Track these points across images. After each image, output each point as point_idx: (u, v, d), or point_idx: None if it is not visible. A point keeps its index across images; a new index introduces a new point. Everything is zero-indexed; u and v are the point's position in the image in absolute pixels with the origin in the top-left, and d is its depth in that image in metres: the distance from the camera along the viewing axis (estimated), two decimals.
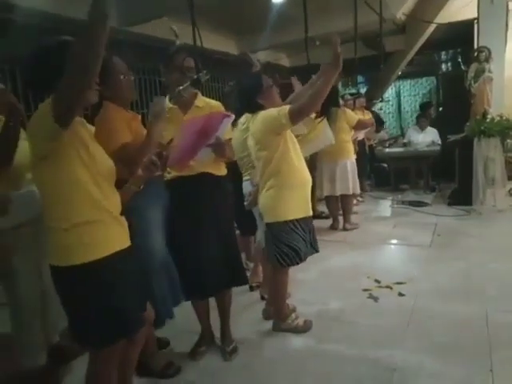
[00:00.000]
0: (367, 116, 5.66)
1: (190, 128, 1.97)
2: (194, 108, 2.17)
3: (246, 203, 2.72)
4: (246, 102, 2.42)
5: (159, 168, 1.68)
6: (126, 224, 1.61)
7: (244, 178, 2.95)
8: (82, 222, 1.44)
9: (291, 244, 2.39)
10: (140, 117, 2.04)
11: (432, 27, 7.03)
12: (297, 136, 2.55)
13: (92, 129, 1.59)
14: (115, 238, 1.54)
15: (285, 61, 8.37)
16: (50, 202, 1.47)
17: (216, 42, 5.69)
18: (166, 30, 3.98)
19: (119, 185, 1.64)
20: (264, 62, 7.01)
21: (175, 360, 2.30)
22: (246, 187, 2.92)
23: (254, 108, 2.38)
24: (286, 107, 2.24)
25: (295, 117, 2.22)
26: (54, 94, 1.35)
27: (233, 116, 2.04)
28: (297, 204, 2.41)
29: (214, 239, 2.19)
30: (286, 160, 2.36)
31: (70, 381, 2.23)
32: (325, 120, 3.27)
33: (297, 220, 2.40)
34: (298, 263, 2.45)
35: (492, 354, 2.16)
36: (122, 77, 1.89)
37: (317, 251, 2.56)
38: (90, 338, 1.53)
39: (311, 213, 2.51)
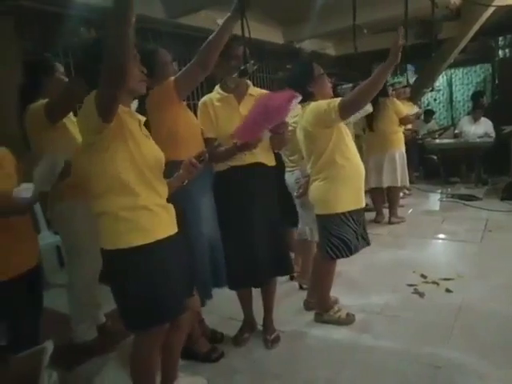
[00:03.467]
0: (410, 107, 5.44)
1: (259, 104, 1.92)
2: (248, 96, 2.19)
3: (295, 194, 2.73)
4: (296, 90, 2.39)
5: (199, 169, 1.66)
6: (173, 211, 1.65)
7: (287, 169, 2.96)
8: (128, 208, 1.50)
9: (342, 236, 2.37)
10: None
11: (490, 11, 6.60)
12: None
13: (142, 118, 1.63)
14: (161, 225, 1.58)
15: (330, 50, 8.21)
16: (98, 189, 1.52)
17: (262, 32, 5.66)
18: (211, 20, 4.02)
19: (165, 175, 1.68)
20: (309, 51, 6.93)
21: (218, 345, 2.37)
22: (289, 178, 2.93)
23: (305, 96, 2.32)
24: (336, 100, 2.19)
25: (345, 111, 2.17)
26: (98, 88, 1.39)
27: (300, 96, 1.96)
28: (349, 196, 2.37)
29: (263, 229, 2.21)
30: (340, 151, 2.32)
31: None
32: None
33: (349, 212, 2.37)
34: (348, 255, 2.43)
35: None
36: (168, 68, 1.93)
37: (368, 244, 2.53)
38: (132, 320, 1.60)
39: (363, 204, 2.48)
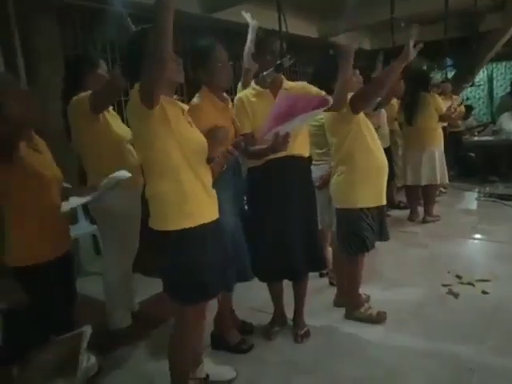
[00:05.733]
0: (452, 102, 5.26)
1: (284, 99, 1.86)
2: (284, 91, 2.18)
3: (316, 185, 2.72)
4: (320, 85, 2.38)
5: (235, 156, 1.76)
6: (215, 197, 1.73)
7: (314, 162, 2.94)
8: (175, 192, 1.59)
9: (358, 232, 2.36)
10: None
11: None
12: None
13: (185, 107, 1.71)
14: (206, 209, 1.68)
15: (366, 44, 8.06)
16: (150, 174, 1.64)
17: (297, 27, 5.62)
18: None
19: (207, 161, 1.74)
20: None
21: (248, 337, 2.40)
22: (315, 171, 2.91)
23: (329, 92, 2.31)
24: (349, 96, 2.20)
25: (356, 105, 2.18)
26: (141, 78, 1.48)
27: (329, 101, 1.90)
28: (369, 192, 2.36)
29: (297, 223, 2.21)
30: (360, 145, 2.31)
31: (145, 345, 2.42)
32: None
33: (368, 208, 2.36)
34: (362, 252, 2.43)
35: None
36: (219, 64, 1.97)
37: (386, 239, 2.53)
38: (181, 294, 1.69)
39: (384, 202, 2.45)
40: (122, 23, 2.08)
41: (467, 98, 8.63)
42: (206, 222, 1.65)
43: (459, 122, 5.76)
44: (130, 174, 1.92)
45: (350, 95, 2.24)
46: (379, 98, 2.49)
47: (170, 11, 1.35)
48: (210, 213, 1.70)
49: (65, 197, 1.93)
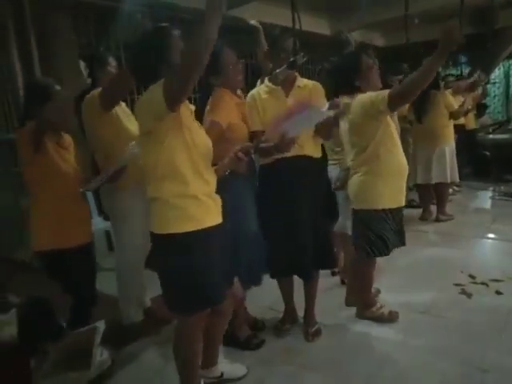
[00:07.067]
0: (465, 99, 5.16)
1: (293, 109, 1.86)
2: (296, 88, 2.18)
3: (333, 186, 2.70)
4: (342, 83, 2.35)
5: (244, 163, 1.71)
6: (219, 201, 1.70)
7: (330, 162, 2.92)
8: (179, 196, 1.56)
9: (380, 233, 2.32)
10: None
11: None
12: None
13: (193, 108, 1.69)
14: (209, 214, 1.63)
15: (378, 41, 7.98)
16: (153, 175, 1.60)
17: (309, 24, 5.60)
18: (262, 12, 4.02)
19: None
20: (357, 42, 6.77)
21: (259, 334, 2.41)
22: (333, 171, 2.90)
23: (351, 90, 2.30)
24: (385, 92, 2.13)
25: (394, 102, 2.11)
26: (167, 77, 1.46)
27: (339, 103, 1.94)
28: (392, 193, 2.32)
29: (309, 221, 2.21)
30: (385, 146, 2.27)
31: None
32: None
33: (390, 210, 2.32)
34: (385, 254, 2.38)
35: None
36: (230, 67, 1.98)
37: (403, 244, 2.45)
38: (176, 304, 1.66)
39: (403, 204, 2.42)
40: (137, 21, 2.10)
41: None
42: (208, 225, 1.61)
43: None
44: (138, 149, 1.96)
45: (383, 92, 2.15)
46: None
47: (219, 15, 1.34)
48: (213, 217, 1.65)
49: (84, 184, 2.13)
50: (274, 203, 2.20)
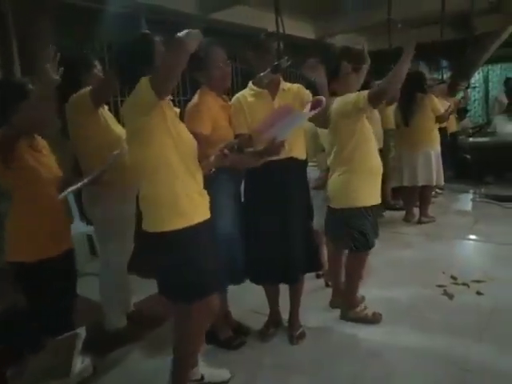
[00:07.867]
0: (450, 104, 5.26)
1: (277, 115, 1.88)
2: (281, 91, 2.19)
3: (311, 186, 2.72)
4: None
5: (229, 160, 1.76)
6: (207, 197, 1.76)
7: (310, 163, 2.93)
8: (171, 194, 1.62)
9: (361, 229, 2.40)
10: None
11: None
12: None
13: (177, 110, 1.75)
14: (199, 209, 1.70)
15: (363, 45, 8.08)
16: (143, 173, 1.66)
17: (293, 27, 5.64)
18: (245, 16, 4.02)
19: None
20: (341, 46, 6.83)
21: (243, 338, 2.40)
22: (310, 172, 2.91)
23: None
24: (366, 91, 2.26)
25: (374, 100, 2.23)
26: (154, 73, 1.52)
27: (323, 101, 1.91)
28: (371, 191, 2.44)
29: (295, 225, 2.22)
30: (364, 146, 2.39)
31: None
32: None
33: (369, 207, 2.42)
34: (368, 248, 2.47)
35: None
36: (218, 66, 1.97)
37: (377, 235, 2.57)
38: (178, 294, 1.71)
39: (380, 201, 2.52)
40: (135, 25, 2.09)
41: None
42: (199, 221, 1.67)
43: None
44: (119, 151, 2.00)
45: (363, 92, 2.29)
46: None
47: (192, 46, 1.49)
48: (202, 212, 1.72)
49: (62, 189, 1.99)
50: (261, 206, 2.20)
